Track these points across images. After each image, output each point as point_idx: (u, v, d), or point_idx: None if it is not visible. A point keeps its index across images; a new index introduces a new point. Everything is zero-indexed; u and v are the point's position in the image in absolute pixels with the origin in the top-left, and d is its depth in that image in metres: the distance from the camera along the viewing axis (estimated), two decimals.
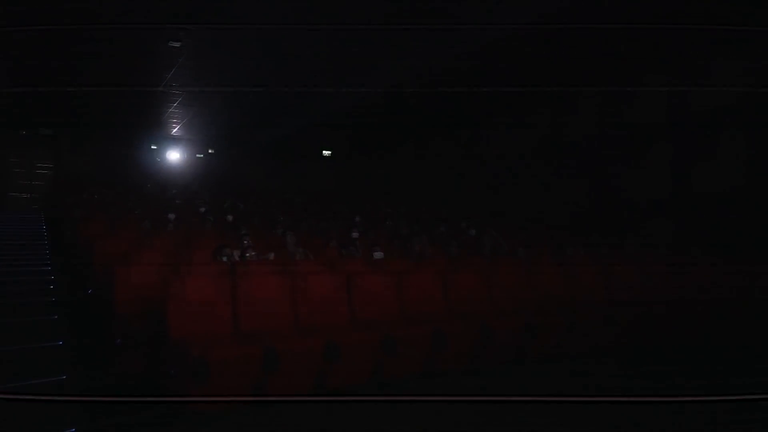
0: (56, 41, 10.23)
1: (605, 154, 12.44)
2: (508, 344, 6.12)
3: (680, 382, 5.66)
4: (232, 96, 13.99)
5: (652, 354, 6.69)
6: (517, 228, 11.86)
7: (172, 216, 9.75)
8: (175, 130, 18.92)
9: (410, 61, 10.71)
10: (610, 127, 12.21)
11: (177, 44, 10.20)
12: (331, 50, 10.58)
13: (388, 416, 4.67)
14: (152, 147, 20.39)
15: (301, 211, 12.98)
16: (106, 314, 5.71)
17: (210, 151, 21.46)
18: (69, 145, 18.86)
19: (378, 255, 7.50)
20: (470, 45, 9.96)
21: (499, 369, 5.99)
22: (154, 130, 18.94)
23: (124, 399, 4.89)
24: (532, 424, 4.51)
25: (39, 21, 8.89)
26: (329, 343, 4.93)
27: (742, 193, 10.06)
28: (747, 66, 9.61)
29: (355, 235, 8.72)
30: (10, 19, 8.96)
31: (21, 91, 13.35)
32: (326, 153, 22.26)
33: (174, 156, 20.51)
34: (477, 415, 4.76)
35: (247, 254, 6.67)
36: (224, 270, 5.91)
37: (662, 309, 7.05)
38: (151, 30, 9.44)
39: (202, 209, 11.22)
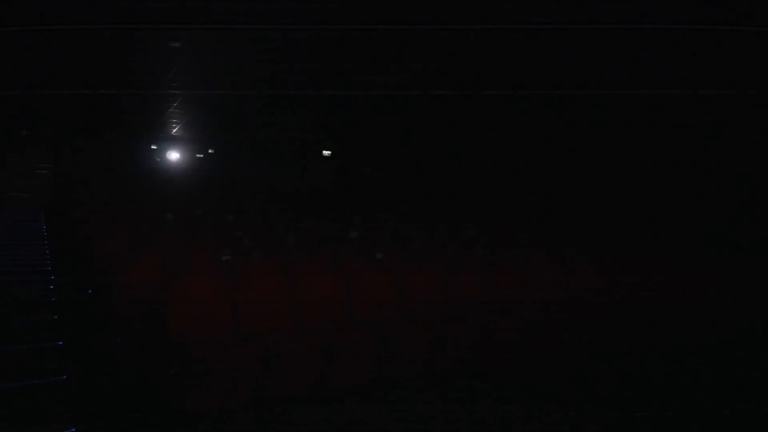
0: (56, 41, 10.22)
1: None
2: None
3: None
4: (232, 96, 13.96)
5: None
6: None
7: (170, 216, 9.72)
8: (175, 130, 18.89)
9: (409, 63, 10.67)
10: None
11: (177, 44, 10.17)
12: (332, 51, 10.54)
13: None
14: (152, 147, 20.37)
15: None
16: (106, 314, 5.71)
17: (210, 151, 21.41)
18: (69, 145, 18.82)
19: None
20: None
21: None
22: (154, 129, 18.89)
23: (124, 399, 4.89)
24: None
25: (38, 21, 8.88)
26: None
27: None
28: None
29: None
30: (10, 18, 8.96)
31: (21, 91, 13.33)
32: (326, 153, 22.18)
33: (174, 156, 20.51)
34: None
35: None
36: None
37: None
38: (150, 30, 9.42)
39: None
